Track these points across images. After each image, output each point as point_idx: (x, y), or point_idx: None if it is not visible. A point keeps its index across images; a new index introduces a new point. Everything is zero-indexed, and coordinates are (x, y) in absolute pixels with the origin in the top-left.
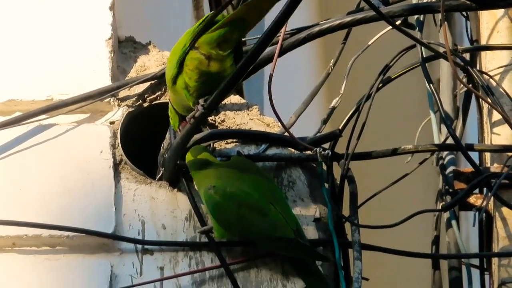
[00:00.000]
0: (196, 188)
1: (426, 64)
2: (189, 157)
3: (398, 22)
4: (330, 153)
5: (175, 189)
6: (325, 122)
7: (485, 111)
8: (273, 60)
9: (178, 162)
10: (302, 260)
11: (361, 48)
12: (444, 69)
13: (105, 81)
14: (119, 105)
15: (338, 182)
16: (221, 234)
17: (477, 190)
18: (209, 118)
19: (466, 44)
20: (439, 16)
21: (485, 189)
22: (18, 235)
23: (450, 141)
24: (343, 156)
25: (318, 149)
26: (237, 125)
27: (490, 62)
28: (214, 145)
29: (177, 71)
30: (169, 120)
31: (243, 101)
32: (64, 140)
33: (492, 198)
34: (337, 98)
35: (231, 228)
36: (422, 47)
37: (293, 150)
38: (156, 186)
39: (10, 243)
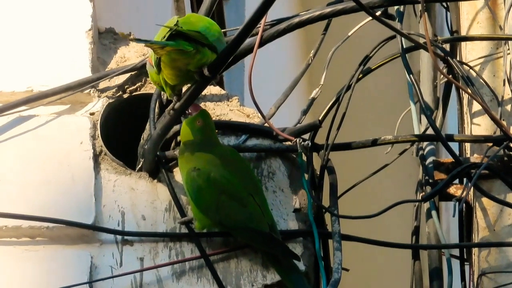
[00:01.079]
0: (179, 170)
1: (406, 54)
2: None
3: (378, 13)
4: (310, 143)
5: (155, 180)
6: (305, 113)
7: (465, 101)
8: (253, 51)
9: (158, 153)
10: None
11: (341, 39)
12: (424, 60)
13: (85, 72)
14: (99, 96)
15: (318, 173)
16: (202, 224)
17: (457, 181)
18: None
19: (446, 35)
20: (419, 6)
21: (465, 180)
22: None
23: (430, 131)
24: (323, 146)
25: (298, 139)
26: (217, 116)
27: (470, 52)
28: None
29: (158, 70)
30: (149, 111)
31: (223, 92)
32: (44, 131)
33: (472, 189)
34: (317, 89)
35: (209, 213)
36: (402, 38)
37: (273, 141)
38: (136, 177)
39: None
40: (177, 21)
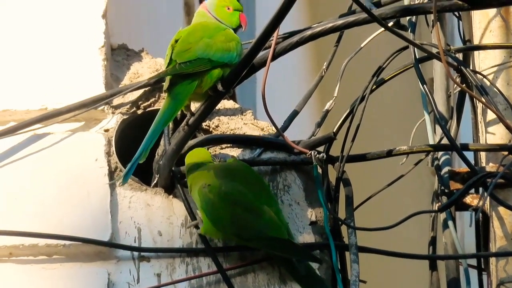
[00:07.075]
0: (189, 190)
1: (419, 64)
2: (187, 159)
3: (390, 24)
4: (325, 156)
5: (171, 196)
6: (319, 125)
7: (479, 110)
8: (266, 65)
9: (173, 169)
10: (297, 262)
11: (354, 50)
12: (437, 70)
13: (99, 89)
14: (113, 113)
15: (334, 185)
16: (208, 230)
17: (473, 190)
18: (203, 124)
19: (459, 44)
20: (431, 16)
21: (481, 189)
22: (14, 245)
23: (444, 141)
24: (338, 158)
25: (313, 152)
26: (231, 130)
27: (483, 61)
28: (209, 150)
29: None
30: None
31: (237, 106)
32: (59, 149)
33: (488, 198)
34: (331, 101)
35: (225, 227)
36: (415, 48)
37: (288, 154)
38: (152, 193)
39: (7, 253)
40: (171, 54)
